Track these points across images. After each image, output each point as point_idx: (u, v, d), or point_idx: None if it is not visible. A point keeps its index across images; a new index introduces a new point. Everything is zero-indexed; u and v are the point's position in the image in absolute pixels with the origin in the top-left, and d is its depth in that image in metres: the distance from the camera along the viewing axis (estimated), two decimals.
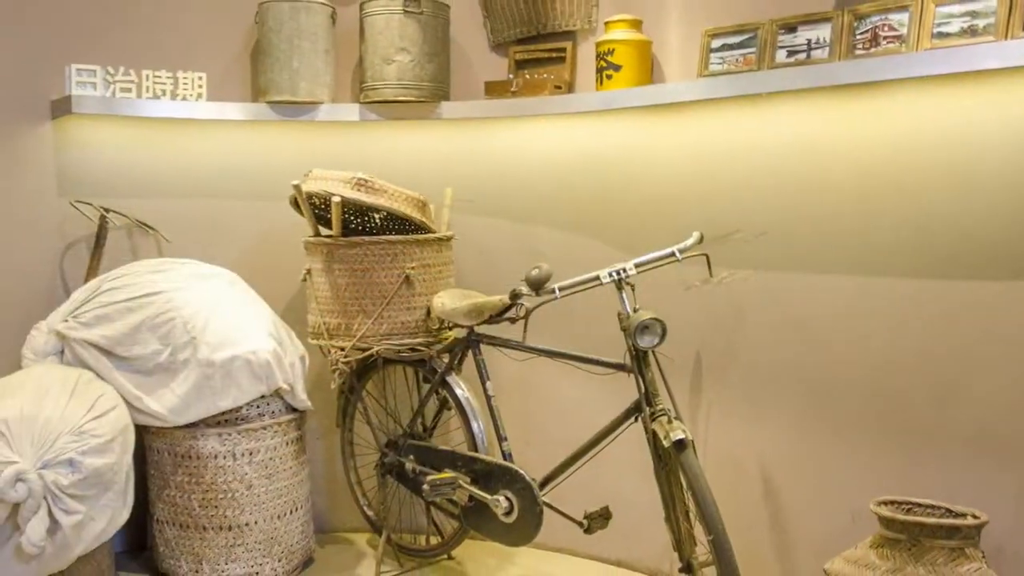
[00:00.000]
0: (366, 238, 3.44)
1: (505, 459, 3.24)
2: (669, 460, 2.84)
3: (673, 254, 2.98)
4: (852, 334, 2.97)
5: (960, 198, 2.71)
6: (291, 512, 3.54)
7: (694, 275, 3.25)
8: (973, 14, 2.53)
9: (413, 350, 3.52)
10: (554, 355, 3.19)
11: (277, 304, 3.85)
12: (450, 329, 3.58)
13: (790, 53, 2.91)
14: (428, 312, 3.49)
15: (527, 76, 3.68)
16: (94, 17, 3.70)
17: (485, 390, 3.33)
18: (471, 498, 3.28)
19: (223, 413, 3.37)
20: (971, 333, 2.71)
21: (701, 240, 3.05)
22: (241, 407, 3.40)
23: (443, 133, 3.95)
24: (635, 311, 2.88)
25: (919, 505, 2.69)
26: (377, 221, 3.79)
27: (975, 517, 2.54)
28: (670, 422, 2.79)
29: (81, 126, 3.73)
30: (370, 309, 3.45)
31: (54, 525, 2.93)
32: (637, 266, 2.95)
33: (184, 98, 3.71)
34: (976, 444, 2.72)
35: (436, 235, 3.54)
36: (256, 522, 3.43)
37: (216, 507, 3.39)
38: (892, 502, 2.71)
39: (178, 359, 3.33)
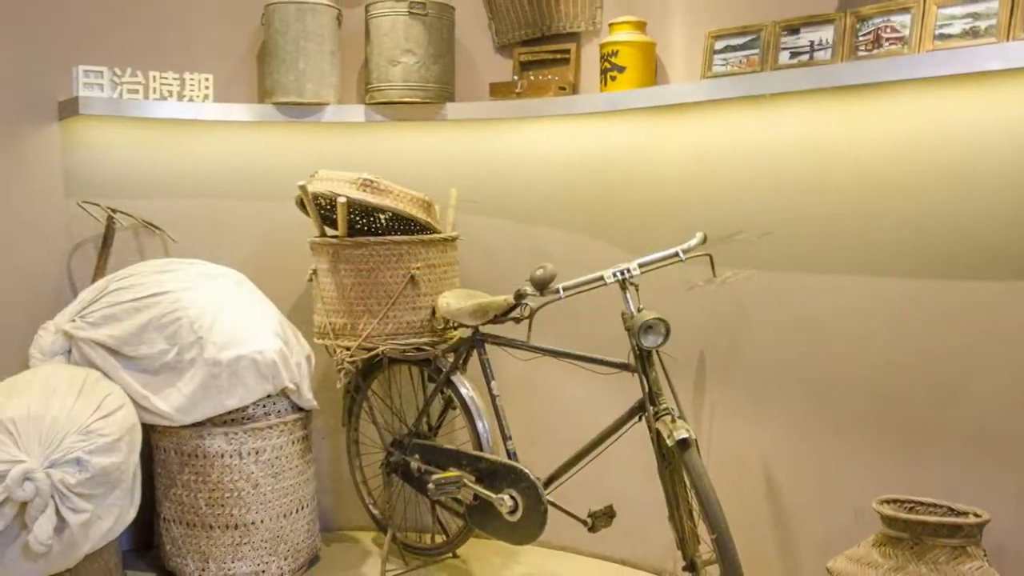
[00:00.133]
0: (372, 238, 3.45)
1: (510, 458, 3.25)
2: (673, 459, 2.85)
3: (677, 254, 2.99)
4: (854, 334, 2.98)
5: (961, 199, 2.72)
6: (297, 511, 3.56)
7: (698, 275, 3.26)
8: (975, 16, 2.54)
9: (418, 350, 3.53)
10: (558, 355, 3.20)
11: (283, 304, 3.87)
12: (455, 329, 3.59)
13: (793, 54, 2.92)
14: (433, 312, 3.51)
15: (531, 77, 3.70)
16: (101, 19, 3.72)
17: (490, 389, 3.34)
18: (476, 497, 3.30)
19: (229, 412, 3.38)
20: (971, 333, 2.72)
21: (704, 240, 3.06)
22: (247, 406, 3.41)
23: (448, 134, 3.96)
24: (639, 311, 2.89)
25: (921, 504, 2.70)
26: (382, 221, 3.81)
27: (977, 516, 2.55)
28: (674, 421, 2.80)
29: (88, 127, 3.75)
30: (375, 309, 3.46)
31: (61, 524, 2.94)
32: (641, 266, 2.96)
33: (191, 99, 3.73)
34: (977, 443, 2.72)
35: (441, 235, 3.55)
36: (262, 521, 3.45)
37: (222, 506, 3.40)
38: (894, 501, 2.72)
39: (185, 358, 3.34)
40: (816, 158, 3.04)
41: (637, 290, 2.95)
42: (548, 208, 3.80)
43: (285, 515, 3.51)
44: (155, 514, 3.59)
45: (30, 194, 3.65)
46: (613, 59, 3.35)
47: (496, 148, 3.91)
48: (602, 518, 3.14)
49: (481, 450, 3.41)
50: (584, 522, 3.15)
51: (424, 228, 3.58)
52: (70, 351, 3.43)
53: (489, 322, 3.24)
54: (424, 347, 3.53)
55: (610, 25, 3.40)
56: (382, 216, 3.79)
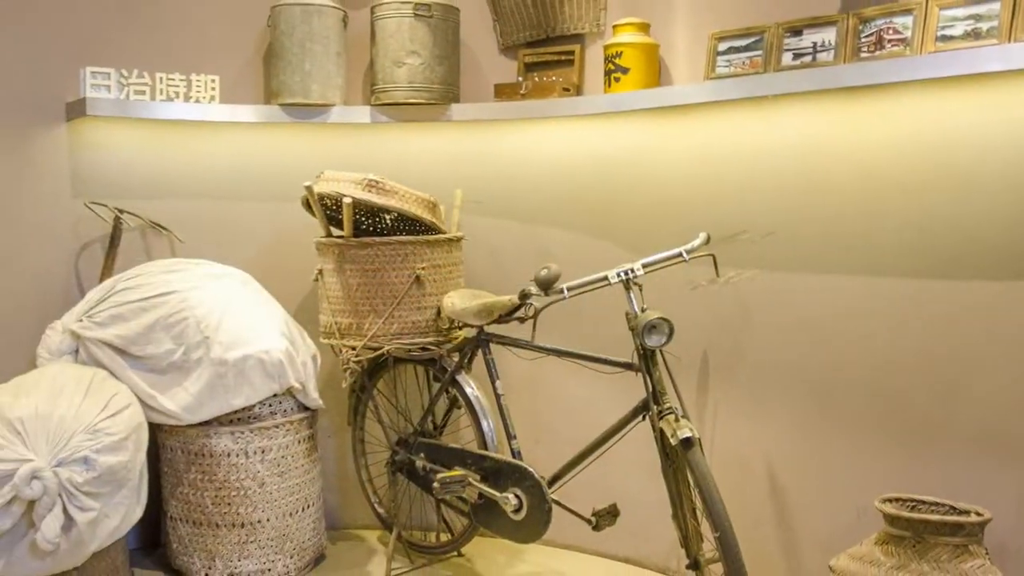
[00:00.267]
0: (377, 239, 3.46)
1: (514, 457, 3.26)
2: (676, 458, 2.86)
3: (680, 254, 3.00)
4: (856, 334, 2.98)
5: (962, 200, 2.72)
6: (303, 509, 3.57)
7: (701, 275, 3.27)
8: (977, 17, 2.55)
9: (424, 349, 3.54)
10: (563, 354, 3.20)
11: (289, 304, 3.88)
12: (460, 329, 3.60)
13: (796, 56, 2.93)
14: (438, 312, 3.52)
15: (536, 79, 3.71)
16: (108, 20, 3.73)
17: (495, 389, 3.35)
18: (481, 495, 3.31)
19: (236, 411, 3.40)
20: (973, 333, 2.73)
21: (708, 241, 3.07)
22: (254, 406, 3.42)
23: (453, 135, 3.98)
24: (643, 311, 2.90)
25: (923, 502, 2.70)
26: (388, 222, 3.82)
27: (979, 514, 2.55)
28: (677, 420, 2.80)
29: (95, 128, 3.77)
30: (381, 309, 3.48)
31: (69, 522, 2.95)
32: (645, 266, 2.96)
33: (197, 100, 3.75)
34: (978, 443, 2.73)
35: (446, 236, 3.56)
36: (268, 519, 3.46)
37: (229, 504, 3.42)
38: (897, 499, 2.73)
39: (191, 358, 3.36)
40: (819, 159, 3.05)
41: (641, 290, 2.96)
42: (552, 208, 3.81)
43: (291, 513, 3.52)
44: (162, 513, 3.61)
45: (38, 195, 3.66)
46: (617, 60, 3.36)
47: (500, 149, 3.93)
48: (606, 517, 3.15)
49: (486, 449, 3.42)
50: (588, 521, 3.16)
51: (429, 228, 3.59)
52: (77, 351, 3.45)
53: (494, 322, 3.25)
54: (429, 347, 3.54)
55: (614, 27, 3.41)
56: (387, 216, 3.80)
